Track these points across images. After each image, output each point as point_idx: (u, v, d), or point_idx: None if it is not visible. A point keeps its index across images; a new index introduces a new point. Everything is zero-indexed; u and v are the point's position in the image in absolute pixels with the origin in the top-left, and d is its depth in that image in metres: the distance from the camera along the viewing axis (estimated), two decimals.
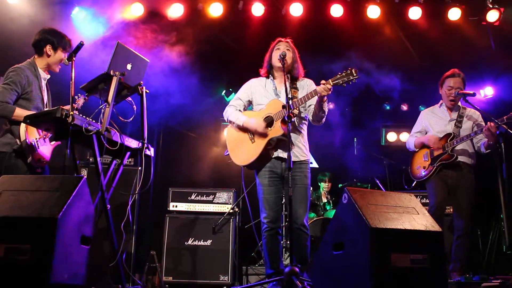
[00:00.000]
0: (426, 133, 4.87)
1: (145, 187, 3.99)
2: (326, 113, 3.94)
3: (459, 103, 4.77)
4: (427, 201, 5.14)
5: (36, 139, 3.87)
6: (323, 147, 7.42)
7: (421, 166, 4.72)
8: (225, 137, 4.28)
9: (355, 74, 3.60)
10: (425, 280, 2.75)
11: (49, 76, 4.19)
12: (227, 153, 4.22)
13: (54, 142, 4.04)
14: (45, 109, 4.08)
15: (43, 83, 4.13)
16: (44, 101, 4.12)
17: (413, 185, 5.17)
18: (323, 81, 3.69)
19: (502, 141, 4.22)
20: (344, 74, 3.65)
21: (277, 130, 3.85)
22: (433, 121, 4.81)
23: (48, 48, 4.07)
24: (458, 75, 4.71)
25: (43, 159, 3.94)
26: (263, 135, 3.91)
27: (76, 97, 3.67)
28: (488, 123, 4.36)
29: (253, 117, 4.02)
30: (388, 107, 8.53)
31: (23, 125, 3.80)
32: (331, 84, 3.66)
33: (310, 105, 4.01)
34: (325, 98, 3.78)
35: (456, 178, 4.55)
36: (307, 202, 3.90)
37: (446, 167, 4.56)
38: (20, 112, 3.79)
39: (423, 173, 4.65)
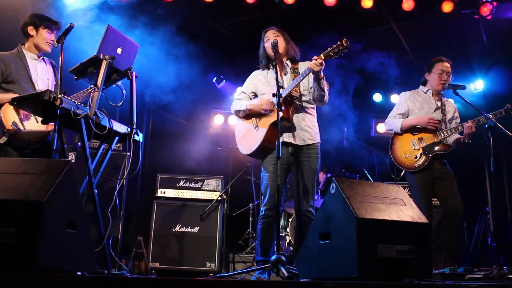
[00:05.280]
0: (407, 117, 4.74)
1: (133, 173, 3.96)
2: (326, 91, 3.92)
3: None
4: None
5: (15, 121, 3.82)
6: None
7: (411, 154, 4.55)
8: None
9: (345, 44, 3.60)
10: (410, 271, 2.77)
11: (41, 57, 4.22)
12: (237, 146, 4.20)
13: None
14: (37, 89, 4.07)
15: (31, 62, 4.15)
16: (33, 79, 4.10)
17: (402, 174, 5.10)
18: (314, 57, 3.70)
19: (490, 135, 4.21)
20: (334, 46, 3.66)
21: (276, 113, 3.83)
22: (419, 106, 4.71)
23: (30, 29, 4.15)
24: (447, 60, 4.72)
25: (33, 139, 3.87)
26: (266, 119, 3.92)
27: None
28: (470, 122, 4.37)
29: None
30: (378, 98, 8.54)
31: (1, 110, 3.82)
32: (323, 57, 3.68)
33: (312, 87, 4.00)
34: (321, 74, 3.77)
35: (440, 169, 4.51)
36: (313, 188, 3.89)
37: (435, 157, 4.49)
38: None
39: (416, 164, 4.50)
